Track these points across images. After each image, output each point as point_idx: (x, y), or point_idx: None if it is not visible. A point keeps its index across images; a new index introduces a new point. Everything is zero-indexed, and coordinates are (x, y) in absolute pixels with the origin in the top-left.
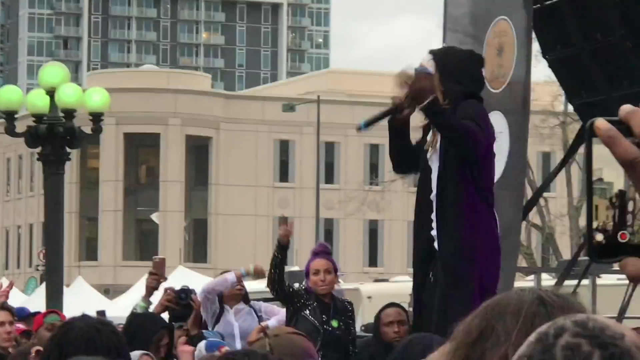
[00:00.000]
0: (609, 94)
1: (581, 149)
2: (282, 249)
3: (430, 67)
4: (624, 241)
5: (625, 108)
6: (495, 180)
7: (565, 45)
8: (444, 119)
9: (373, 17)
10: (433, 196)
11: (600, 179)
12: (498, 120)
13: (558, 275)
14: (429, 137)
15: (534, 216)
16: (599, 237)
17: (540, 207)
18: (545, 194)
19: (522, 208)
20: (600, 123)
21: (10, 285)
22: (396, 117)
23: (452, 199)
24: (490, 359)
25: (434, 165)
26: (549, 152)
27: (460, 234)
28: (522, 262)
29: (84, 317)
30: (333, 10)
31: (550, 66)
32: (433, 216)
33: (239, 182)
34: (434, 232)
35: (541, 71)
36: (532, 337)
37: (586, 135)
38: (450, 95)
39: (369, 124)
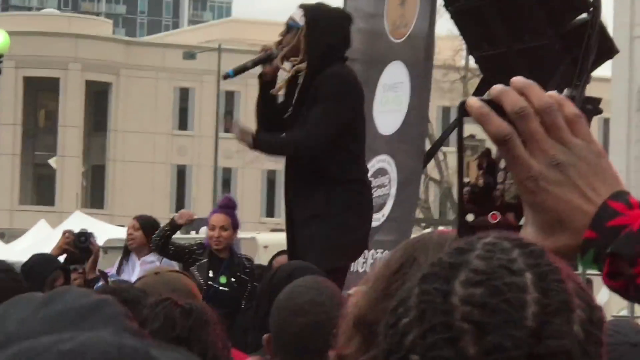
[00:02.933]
0: (510, 46)
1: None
2: (174, 228)
3: (301, 21)
4: (494, 222)
5: (497, 87)
6: (394, 131)
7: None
8: (266, 149)
9: None
10: None
11: (472, 136)
12: (399, 70)
13: (455, 228)
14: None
15: (432, 170)
16: (470, 217)
17: (438, 161)
18: (444, 149)
19: (421, 160)
20: (472, 101)
21: None
22: (265, 66)
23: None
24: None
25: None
26: (449, 107)
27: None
28: (419, 215)
29: None
30: None
31: (452, 17)
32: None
33: (138, 129)
34: None
35: (443, 25)
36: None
37: (458, 115)
38: (313, 53)
39: (238, 72)
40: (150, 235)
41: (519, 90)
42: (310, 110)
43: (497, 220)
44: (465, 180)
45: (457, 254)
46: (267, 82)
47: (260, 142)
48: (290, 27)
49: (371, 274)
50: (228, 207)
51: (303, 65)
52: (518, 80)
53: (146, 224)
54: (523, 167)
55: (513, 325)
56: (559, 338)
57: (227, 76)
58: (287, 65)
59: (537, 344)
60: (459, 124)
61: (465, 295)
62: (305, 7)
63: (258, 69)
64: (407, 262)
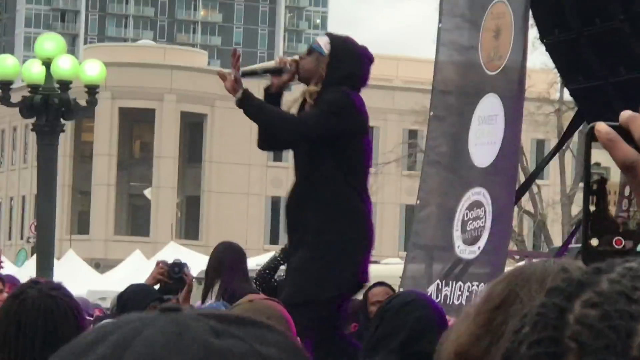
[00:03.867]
0: (606, 79)
1: (575, 137)
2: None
3: (326, 49)
4: (619, 247)
5: (626, 113)
6: (489, 163)
7: (564, 30)
8: (253, 112)
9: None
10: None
11: (597, 164)
12: (493, 103)
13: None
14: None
15: (526, 203)
16: (594, 242)
17: (533, 194)
18: (538, 182)
19: (514, 193)
20: (601, 126)
21: None
22: (274, 78)
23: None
24: (510, 324)
25: None
26: (543, 140)
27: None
28: (513, 248)
29: (35, 284)
30: None
31: (547, 50)
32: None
33: (232, 160)
34: None
35: (537, 58)
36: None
37: (586, 140)
38: (330, 83)
39: (245, 74)
40: None
41: None
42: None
43: (622, 245)
44: (591, 207)
45: (592, 274)
46: (270, 95)
47: (248, 102)
48: (313, 49)
49: (471, 308)
50: None
51: (315, 88)
52: None
53: None
54: None
55: (614, 352)
56: None
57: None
58: (295, 88)
59: None
60: (586, 148)
61: (580, 315)
62: (332, 37)
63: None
64: (508, 297)
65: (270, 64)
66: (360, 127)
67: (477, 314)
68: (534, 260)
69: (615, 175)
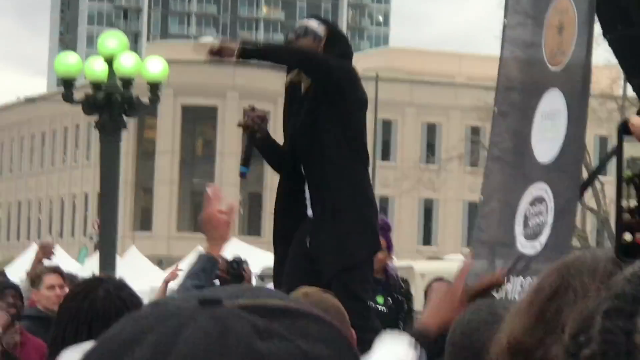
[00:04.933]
0: None
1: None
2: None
3: (320, 31)
4: None
5: None
6: (551, 159)
7: (626, 25)
8: (267, 51)
9: None
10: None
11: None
12: (557, 98)
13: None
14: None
15: (589, 200)
16: (627, 237)
17: (596, 190)
18: (601, 178)
19: (578, 189)
20: (636, 119)
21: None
22: (257, 139)
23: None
24: (567, 315)
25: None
26: (606, 137)
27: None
28: (576, 244)
29: (100, 281)
30: None
31: (610, 46)
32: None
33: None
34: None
35: (600, 54)
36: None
37: (618, 134)
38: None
39: (246, 164)
40: None
41: None
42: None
43: None
44: (624, 203)
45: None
46: (264, 145)
47: (251, 49)
48: (307, 31)
49: (523, 299)
50: (382, 228)
51: None
52: None
53: None
54: None
55: None
56: None
57: (243, 175)
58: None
59: None
60: (618, 142)
61: None
62: (322, 20)
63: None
64: (560, 287)
65: (247, 141)
66: (366, 101)
67: (529, 305)
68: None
69: None
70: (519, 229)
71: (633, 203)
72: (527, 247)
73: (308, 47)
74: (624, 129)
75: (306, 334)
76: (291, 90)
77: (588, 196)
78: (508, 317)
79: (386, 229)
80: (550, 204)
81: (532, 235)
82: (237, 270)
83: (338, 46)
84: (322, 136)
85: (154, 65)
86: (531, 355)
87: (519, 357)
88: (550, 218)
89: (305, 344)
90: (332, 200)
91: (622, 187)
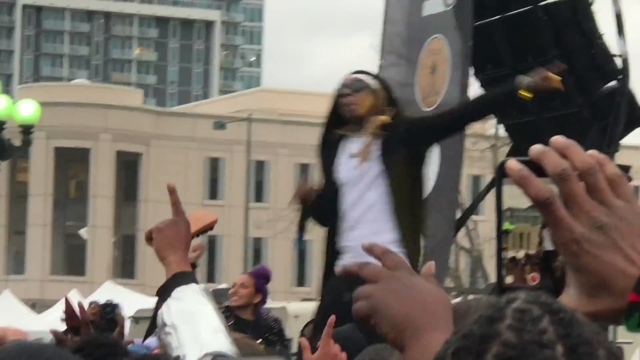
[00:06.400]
0: (539, 114)
1: None
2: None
3: (371, 83)
4: (533, 284)
5: (536, 148)
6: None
7: (497, 65)
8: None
9: (325, 35)
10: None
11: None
12: None
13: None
14: (351, 151)
15: (462, 239)
16: (509, 279)
17: (469, 230)
18: (474, 217)
19: (452, 228)
20: (512, 163)
21: None
22: (307, 206)
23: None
24: None
25: (351, 174)
26: (479, 175)
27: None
28: (450, 284)
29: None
30: (285, 28)
31: (481, 86)
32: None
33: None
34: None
35: (473, 93)
36: (485, 304)
37: (497, 176)
38: (396, 106)
39: (301, 234)
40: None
41: (559, 150)
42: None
43: (536, 282)
44: (504, 244)
45: (487, 324)
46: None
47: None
48: (358, 88)
49: None
50: (258, 273)
51: (387, 117)
52: (558, 140)
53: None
54: (566, 229)
55: None
56: None
57: (299, 246)
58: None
59: None
60: (497, 185)
61: (496, 353)
62: (366, 72)
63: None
64: None
65: (301, 210)
66: None
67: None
68: (470, 296)
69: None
70: None
71: (512, 254)
72: None
73: (368, 104)
74: (502, 172)
75: None
76: (331, 139)
77: (461, 235)
78: None
79: (262, 273)
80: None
81: None
82: (110, 314)
83: (392, 91)
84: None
85: (26, 108)
86: None
87: None
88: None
89: None
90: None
91: (501, 230)
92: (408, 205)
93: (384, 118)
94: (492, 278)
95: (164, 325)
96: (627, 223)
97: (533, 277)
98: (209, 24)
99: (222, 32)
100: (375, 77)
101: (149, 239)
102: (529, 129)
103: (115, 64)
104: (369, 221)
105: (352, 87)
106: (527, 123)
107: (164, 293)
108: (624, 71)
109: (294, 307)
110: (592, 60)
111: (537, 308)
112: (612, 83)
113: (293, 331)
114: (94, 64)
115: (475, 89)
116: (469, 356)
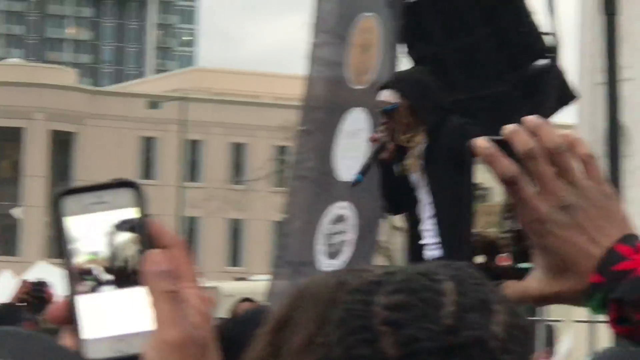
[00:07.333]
0: (471, 93)
1: None
2: None
3: (394, 99)
4: (503, 265)
5: (509, 127)
6: (352, 179)
7: (427, 43)
8: None
9: (261, 14)
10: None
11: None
12: (359, 117)
13: None
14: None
15: (396, 218)
16: (479, 259)
17: None
18: None
19: (382, 207)
20: (480, 141)
21: None
22: (382, 154)
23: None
24: (289, 347)
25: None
26: None
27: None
28: (383, 263)
29: None
30: (220, 7)
31: (412, 64)
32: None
33: (102, 178)
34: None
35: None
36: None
37: (466, 156)
38: (425, 117)
39: (364, 172)
40: None
41: (531, 130)
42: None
43: (507, 264)
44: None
45: (385, 274)
46: (387, 166)
47: None
48: (387, 110)
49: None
50: None
51: (420, 136)
52: (530, 119)
53: None
54: (531, 209)
55: (428, 320)
56: (474, 330)
57: (357, 182)
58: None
59: (452, 337)
60: (468, 165)
61: (386, 302)
62: (390, 85)
63: None
64: (285, 317)
65: (372, 150)
66: None
67: (264, 331)
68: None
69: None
70: (320, 247)
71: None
72: (328, 265)
73: (399, 125)
74: (471, 151)
75: None
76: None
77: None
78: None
79: None
80: (353, 221)
81: (333, 254)
82: (40, 292)
83: (421, 97)
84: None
85: None
86: None
87: None
88: (352, 236)
89: None
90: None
91: (471, 212)
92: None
93: (416, 139)
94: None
95: None
96: (594, 204)
97: (503, 258)
98: (143, 3)
99: (156, 11)
100: (396, 86)
101: None
102: (459, 108)
103: (50, 43)
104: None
105: (384, 113)
106: (458, 101)
107: None
108: (554, 49)
109: (227, 286)
110: (522, 38)
111: (437, 263)
112: (543, 61)
113: (226, 310)
114: (29, 42)
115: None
116: (359, 294)
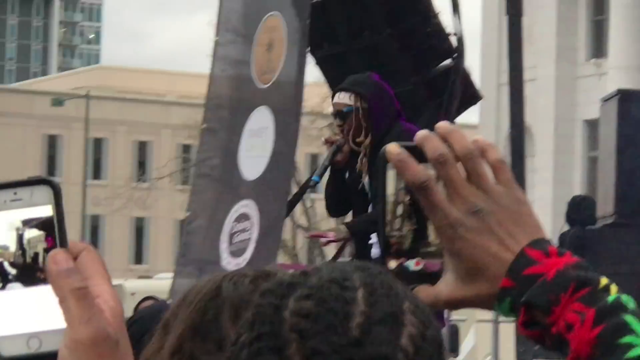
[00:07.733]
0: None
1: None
2: None
3: (352, 102)
4: (417, 268)
5: (421, 133)
6: (257, 176)
7: (333, 43)
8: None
9: (167, 13)
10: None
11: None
12: (263, 116)
13: None
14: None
15: (300, 217)
16: (392, 264)
17: (306, 208)
18: (313, 196)
19: (285, 207)
20: (392, 147)
21: None
22: (338, 155)
23: None
24: (165, 347)
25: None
26: (317, 154)
27: None
28: (287, 262)
29: None
30: (125, 5)
31: (317, 64)
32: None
33: (5, 176)
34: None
35: (310, 72)
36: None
37: (380, 162)
38: (378, 124)
39: (321, 174)
40: None
41: (443, 136)
42: None
43: (421, 266)
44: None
45: (300, 276)
46: (339, 169)
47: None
48: (344, 113)
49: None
50: None
51: (369, 140)
52: (442, 125)
53: None
54: (441, 214)
55: (334, 332)
56: (379, 345)
57: (315, 183)
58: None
59: (357, 350)
60: (381, 172)
61: (296, 308)
62: (348, 88)
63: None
64: (167, 319)
65: (329, 151)
66: None
67: (158, 332)
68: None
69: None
70: (224, 245)
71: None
72: (231, 264)
73: (355, 127)
74: (385, 157)
75: None
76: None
77: (299, 214)
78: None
79: None
80: (256, 219)
81: (237, 252)
82: None
83: (380, 105)
84: None
85: None
86: None
87: None
88: (255, 234)
89: None
90: None
91: (386, 217)
92: None
93: (366, 142)
94: (329, 256)
95: None
96: (505, 209)
97: (417, 262)
98: (48, 1)
99: (61, 8)
100: (357, 90)
101: None
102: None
103: None
104: None
105: (341, 113)
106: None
107: None
108: (459, 50)
109: (131, 284)
110: (427, 38)
111: (350, 265)
112: (447, 61)
113: (129, 308)
114: None
115: (311, 67)
116: (271, 296)
